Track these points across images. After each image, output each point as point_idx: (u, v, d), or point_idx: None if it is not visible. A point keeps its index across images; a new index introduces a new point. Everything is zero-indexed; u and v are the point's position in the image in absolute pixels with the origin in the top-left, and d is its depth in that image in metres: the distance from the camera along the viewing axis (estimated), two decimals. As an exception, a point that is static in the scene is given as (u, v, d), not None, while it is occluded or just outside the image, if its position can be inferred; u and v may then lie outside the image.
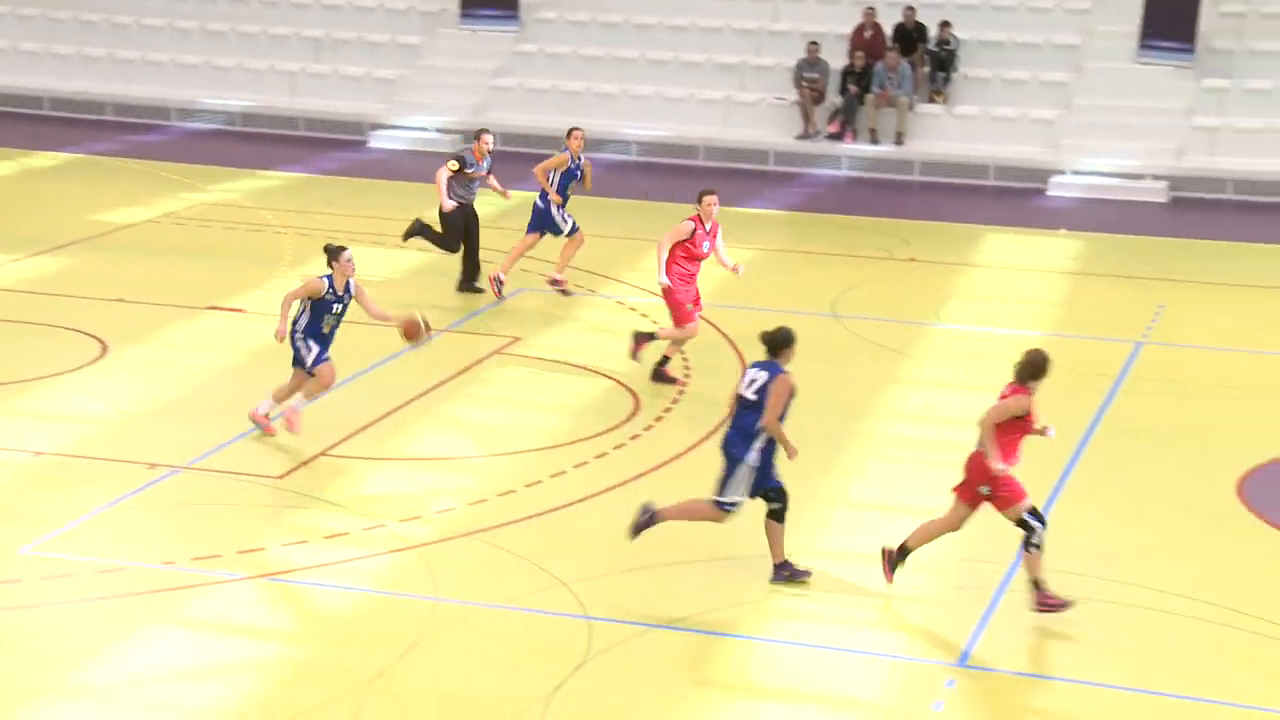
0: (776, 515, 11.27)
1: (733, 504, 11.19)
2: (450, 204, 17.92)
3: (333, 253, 13.61)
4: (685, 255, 15.09)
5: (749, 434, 11.13)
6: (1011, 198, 25.14)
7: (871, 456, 14.10)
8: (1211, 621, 10.87)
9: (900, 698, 9.99)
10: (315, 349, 13.55)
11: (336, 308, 13.57)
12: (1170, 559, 11.88)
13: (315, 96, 28.90)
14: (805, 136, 26.94)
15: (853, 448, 14.17)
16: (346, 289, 13.61)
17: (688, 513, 11.38)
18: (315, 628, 10.78)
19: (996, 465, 10.65)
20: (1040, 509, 10.88)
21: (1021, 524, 10.75)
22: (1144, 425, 14.83)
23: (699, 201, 15.09)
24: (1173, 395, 15.73)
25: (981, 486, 10.80)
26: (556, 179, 18.03)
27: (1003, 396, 10.91)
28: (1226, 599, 11.10)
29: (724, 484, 11.19)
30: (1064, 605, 10.69)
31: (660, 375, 15.43)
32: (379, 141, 27.84)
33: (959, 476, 11.03)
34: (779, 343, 11.42)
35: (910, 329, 17.54)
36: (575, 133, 18.29)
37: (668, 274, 15.02)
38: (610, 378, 15.66)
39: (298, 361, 13.61)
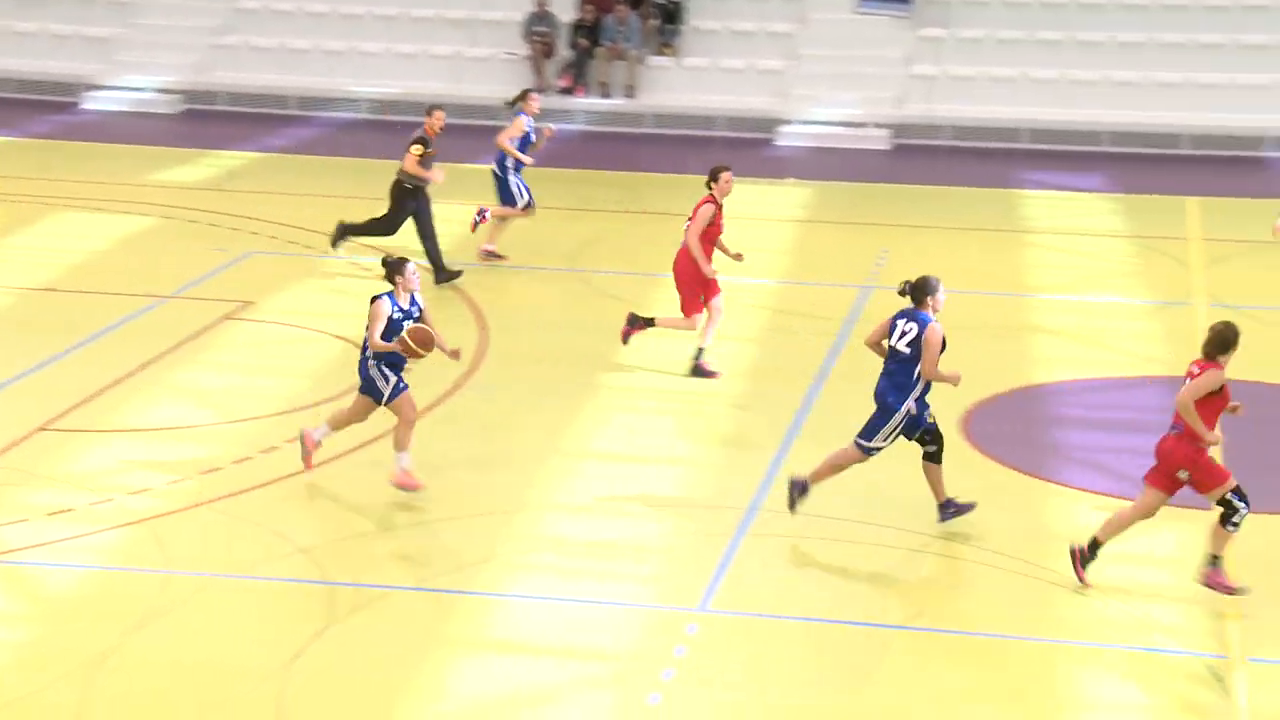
0: (933, 457, 11.49)
1: (878, 448, 11.44)
2: (440, 176, 16.82)
3: (394, 267, 11.97)
4: (707, 239, 14.50)
5: (905, 385, 11.33)
6: (742, 148, 25.46)
7: (614, 408, 14.16)
8: (939, 554, 11.22)
9: (643, 645, 10.06)
10: (392, 378, 11.96)
11: (407, 324, 11.93)
12: (899, 495, 12.22)
13: (21, 56, 27.56)
14: (537, 91, 26.82)
15: (595, 399, 14.21)
16: (413, 303, 12.04)
17: (834, 465, 11.61)
18: (38, 609, 10.35)
19: (1210, 438, 10.32)
20: (1241, 488, 10.44)
21: (1224, 503, 10.45)
22: (873, 368, 15.19)
23: (714, 179, 14.52)
24: (900, 337, 16.17)
25: (1180, 471, 10.46)
26: (515, 145, 17.63)
27: (1190, 375, 10.50)
28: (952, 531, 11.46)
29: (874, 430, 11.41)
30: (1231, 590, 10.42)
31: (699, 369, 14.63)
32: (94, 103, 26.75)
33: (1150, 464, 10.64)
34: (922, 290, 11.43)
35: (647, 281, 17.65)
36: (532, 95, 18.04)
37: (690, 262, 14.44)
38: (345, 340, 15.38)
39: (369, 391, 12.01)
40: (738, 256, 14.90)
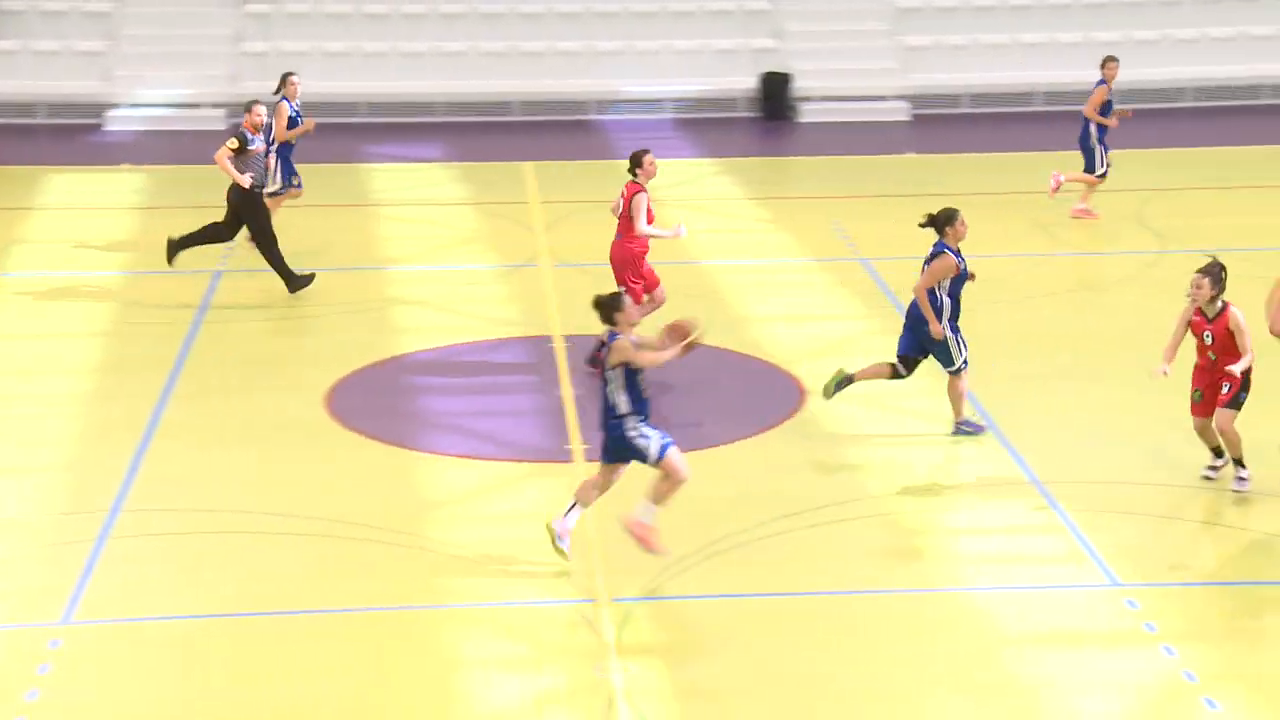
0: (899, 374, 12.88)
1: (960, 367, 12.67)
2: (247, 179, 15.91)
3: (613, 304, 10.38)
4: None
5: (937, 309, 12.58)
6: (68, 135, 24.24)
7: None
8: (319, 535, 11.06)
9: (2, 668, 9.34)
10: (653, 433, 10.35)
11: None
12: (270, 481, 11.98)
13: None
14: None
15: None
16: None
17: (878, 372, 12.93)
18: None
19: None
20: None
21: None
22: (233, 351, 14.83)
23: (640, 165, 13.94)
24: (260, 320, 15.84)
25: None
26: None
27: None
28: (326, 510, 11.34)
29: (945, 359, 12.64)
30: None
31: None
32: None
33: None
34: (942, 221, 12.60)
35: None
36: (291, 78, 17.77)
37: (637, 250, 14.02)
38: None
39: (624, 456, 10.41)
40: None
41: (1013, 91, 25.75)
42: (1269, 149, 23.04)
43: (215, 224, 16.32)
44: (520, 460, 12.41)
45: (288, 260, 16.19)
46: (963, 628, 9.91)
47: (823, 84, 25.59)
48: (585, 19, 26.55)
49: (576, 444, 12.65)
